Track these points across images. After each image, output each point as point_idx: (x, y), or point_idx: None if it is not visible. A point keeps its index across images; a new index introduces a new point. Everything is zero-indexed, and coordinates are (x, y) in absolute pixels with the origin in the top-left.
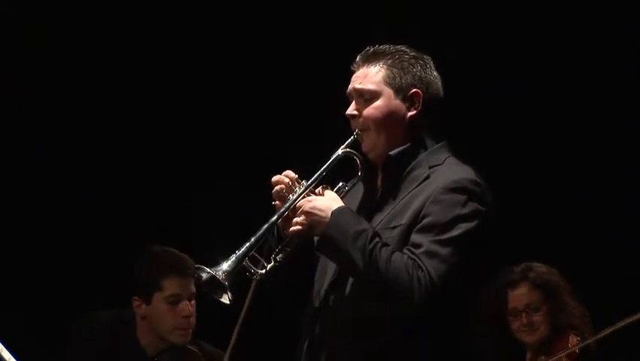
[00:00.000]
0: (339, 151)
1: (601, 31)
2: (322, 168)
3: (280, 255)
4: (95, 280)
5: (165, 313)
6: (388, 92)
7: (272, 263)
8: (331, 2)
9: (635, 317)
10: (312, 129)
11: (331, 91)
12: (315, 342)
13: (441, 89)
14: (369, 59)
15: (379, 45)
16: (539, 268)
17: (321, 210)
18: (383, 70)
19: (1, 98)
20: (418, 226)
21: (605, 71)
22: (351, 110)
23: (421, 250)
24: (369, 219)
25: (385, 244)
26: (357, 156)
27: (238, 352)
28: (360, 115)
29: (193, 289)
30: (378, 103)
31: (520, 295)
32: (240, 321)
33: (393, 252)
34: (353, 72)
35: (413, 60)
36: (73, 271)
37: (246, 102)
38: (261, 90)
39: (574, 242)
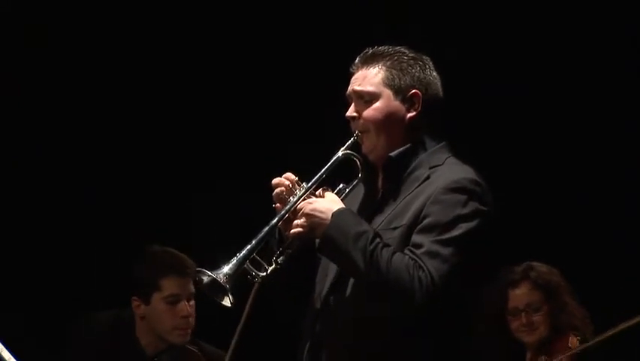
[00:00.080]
0: (340, 153)
1: (601, 31)
2: (322, 170)
3: (281, 257)
4: (95, 280)
5: (164, 313)
6: (388, 93)
7: (273, 266)
8: (331, 2)
9: (637, 320)
10: (312, 129)
11: (331, 91)
12: (316, 343)
13: (440, 90)
14: (368, 61)
15: (378, 46)
16: (540, 267)
17: (321, 211)
18: (382, 71)
19: (1, 98)
20: (419, 226)
21: (605, 71)
22: (351, 112)
23: (422, 250)
24: (370, 220)
25: (386, 245)
26: (357, 158)
27: (239, 354)
28: (359, 117)
29: (192, 289)
30: (377, 105)
31: (520, 295)
32: (240, 325)
33: (394, 253)
34: (352, 74)
35: (412, 61)
36: (73, 271)
37: (246, 102)
38: (261, 90)
39: (574, 242)
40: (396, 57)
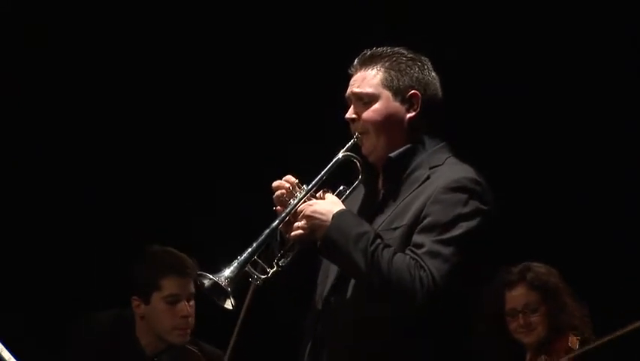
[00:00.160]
0: (340, 155)
1: (601, 31)
2: (322, 172)
3: (282, 260)
4: (95, 280)
5: (164, 313)
6: (387, 94)
7: (274, 268)
8: (331, 2)
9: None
10: (312, 130)
11: (331, 91)
12: (317, 344)
13: (439, 90)
14: (367, 62)
15: (377, 47)
16: (538, 268)
17: (322, 213)
18: (381, 73)
19: (1, 98)
20: (420, 226)
21: (605, 71)
22: (350, 113)
23: (423, 250)
24: (371, 221)
25: (387, 246)
26: (357, 159)
27: (240, 355)
28: (359, 118)
29: (192, 289)
30: (376, 106)
31: (517, 296)
32: (238, 324)
33: (395, 253)
34: (351, 76)
35: (410, 62)
36: (73, 271)
37: (246, 103)
38: (261, 91)
39: (574, 242)
40: (394, 58)
